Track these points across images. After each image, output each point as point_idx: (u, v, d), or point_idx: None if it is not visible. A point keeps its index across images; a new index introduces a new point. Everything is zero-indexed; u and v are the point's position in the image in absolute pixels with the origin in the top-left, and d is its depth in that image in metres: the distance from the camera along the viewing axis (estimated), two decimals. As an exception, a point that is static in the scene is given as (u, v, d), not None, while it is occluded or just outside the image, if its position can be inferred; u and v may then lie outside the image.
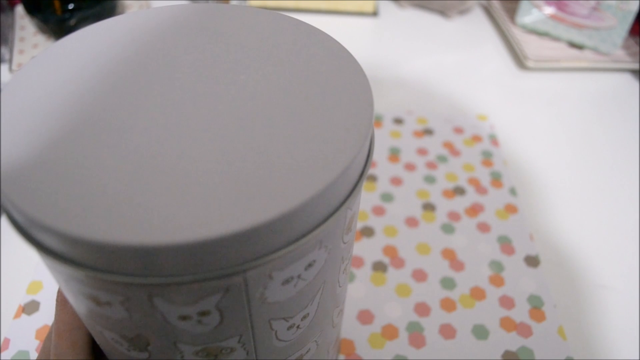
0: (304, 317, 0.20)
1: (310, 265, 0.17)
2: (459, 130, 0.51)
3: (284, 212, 0.14)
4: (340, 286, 0.22)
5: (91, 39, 0.20)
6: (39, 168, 0.15)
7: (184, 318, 0.16)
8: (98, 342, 0.21)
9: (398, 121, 0.51)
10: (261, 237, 0.14)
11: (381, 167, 0.46)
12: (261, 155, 0.16)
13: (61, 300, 0.23)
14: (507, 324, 0.35)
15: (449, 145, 0.49)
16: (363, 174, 0.17)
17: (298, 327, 0.20)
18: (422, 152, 0.48)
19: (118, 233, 0.13)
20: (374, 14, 0.69)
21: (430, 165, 0.47)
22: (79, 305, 0.17)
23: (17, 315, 0.34)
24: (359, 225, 0.41)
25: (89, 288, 0.16)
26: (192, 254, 0.14)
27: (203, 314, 0.16)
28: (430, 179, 0.45)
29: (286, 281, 0.17)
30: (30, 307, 0.34)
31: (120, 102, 0.17)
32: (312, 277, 0.18)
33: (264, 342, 0.19)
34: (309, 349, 0.23)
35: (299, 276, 0.17)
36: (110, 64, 0.19)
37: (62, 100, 0.17)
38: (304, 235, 0.15)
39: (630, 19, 0.57)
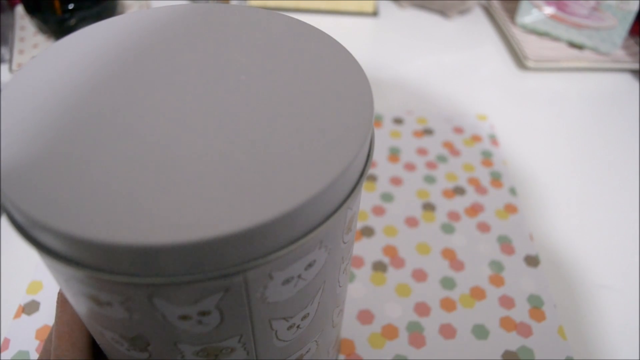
0: (304, 317, 0.20)
1: (310, 265, 0.17)
2: (458, 130, 0.51)
3: (284, 212, 0.14)
4: (340, 286, 0.22)
5: (91, 39, 0.20)
6: (39, 168, 0.15)
7: (184, 318, 0.16)
8: (98, 342, 0.21)
9: (398, 121, 0.51)
10: (261, 237, 0.14)
11: (381, 167, 0.46)
12: (261, 155, 0.16)
13: (61, 301, 0.23)
14: (507, 324, 0.35)
15: (448, 145, 0.49)
16: (363, 174, 0.17)
17: (298, 327, 0.20)
18: (422, 152, 0.48)
19: (118, 233, 0.13)
20: (374, 14, 0.69)
21: (430, 165, 0.47)
22: (79, 305, 0.17)
23: (17, 315, 0.34)
24: (359, 225, 0.41)
25: (89, 288, 0.16)
26: (192, 253, 0.14)
27: (203, 313, 0.16)
28: (430, 179, 0.45)
29: (286, 281, 0.17)
30: (30, 307, 0.34)
31: (120, 102, 0.17)
32: (312, 277, 0.18)
33: (264, 342, 0.19)
34: (309, 348, 0.23)
35: (299, 276, 0.17)
36: (110, 64, 0.19)
37: (62, 100, 0.17)
38: (304, 235, 0.15)
39: (630, 19, 0.57)
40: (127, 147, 0.16)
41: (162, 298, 0.15)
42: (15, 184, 0.14)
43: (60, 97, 0.17)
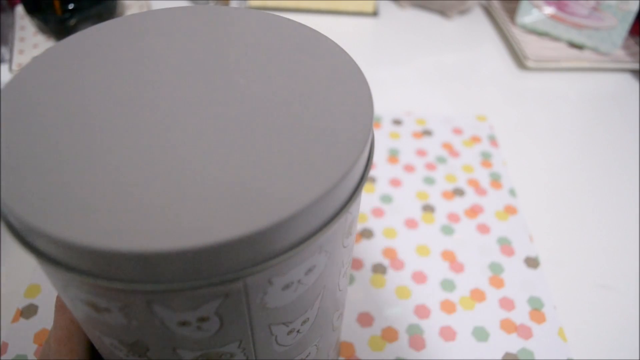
0: (304, 322, 0.20)
1: (310, 270, 0.17)
2: (458, 131, 0.51)
3: (283, 218, 0.14)
4: (340, 290, 0.22)
5: (91, 41, 0.20)
6: (37, 173, 0.15)
7: (183, 324, 0.16)
8: (97, 348, 0.21)
9: (397, 122, 0.51)
10: (261, 243, 0.14)
11: (380, 168, 0.46)
12: (261, 160, 0.16)
13: (60, 306, 0.22)
14: (507, 326, 0.35)
15: (448, 146, 0.49)
16: (363, 178, 0.17)
17: (298, 331, 0.20)
18: (421, 153, 0.48)
19: (117, 240, 0.13)
20: (374, 14, 0.68)
21: (430, 167, 0.47)
22: (77, 311, 0.17)
23: (15, 319, 0.34)
24: (358, 226, 0.41)
25: (87, 294, 0.15)
26: (192, 260, 0.14)
27: (202, 319, 0.16)
28: (429, 180, 0.45)
29: (286, 286, 0.17)
30: (29, 311, 0.34)
31: (120, 106, 0.17)
32: (312, 282, 0.18)
33: (264, 347, 0.19)
34: (309, 352, 0.23)
35: (299, 281, 0.17)
36: (110, 67, 0.19)
37: (62, 102, 0.17)
38: (304, 241, 0.15)
39: (630, 19, 0.57)
40: (125, 152, 0.16)
41: (161, 304, 0.15)
42: (13, 189, 0.14)
43: (60, 99, 0.17)
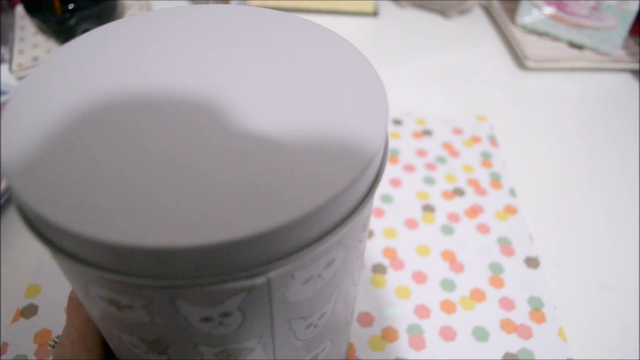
0: (322, 316, 0.20)
1: (329, 264, 0.17)
2: (458, 131, 0.51)
3: (307, 212, 0.14)
4: (354, 284, 0.22)
5: (96, 42, 0.20)
6: (59, 172, 0.15)
7: (205, 320, 0.16)
8: (113, 346, 0.21)
9: (397, 122, 0.51)
10: (285, 238, 0.14)
11: (381, 168, 0.46)
12: (283, 157, 0.16)
13: (72, 307, 0.23)
14: (508, 326, 0.35)
15: (448, 146, 0.49)
16: (379, 173, 0.17)
17: (315, 325, 0.20)
18: (421, 153, 0.48)
19: (142, 235, 0.13)
20: (374, 14, 0.68)
21: (430, 167, 0.47)
22: (97, 310, 0.17)
23: (15, 319, 0.34)
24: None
25: (109, 292, 0.15)
26: (216, 255, 0.14)
27: (225, 315, 0.16)
28: (429, 180, 0.45)
29: (307, 280, 0.17)
30: (29, 311, 0.34)
31: (131, 104, 0.17)
32: (330, 276, 0.18)
33: (283, 342, 0.19)
34: (325, 347, 0.23)
35: (319, 275, 0.17)
36: (116, 67, 0.19)
37: (76, 101, 0.17)
38: (325, 234, 0.15)
39: (630, 19, 0.57)
40: (144, 149, 0.16)
41: (185, 300, 0.15)
42: (35, 190, 0.14)
43: (74, 97, 0.17)
